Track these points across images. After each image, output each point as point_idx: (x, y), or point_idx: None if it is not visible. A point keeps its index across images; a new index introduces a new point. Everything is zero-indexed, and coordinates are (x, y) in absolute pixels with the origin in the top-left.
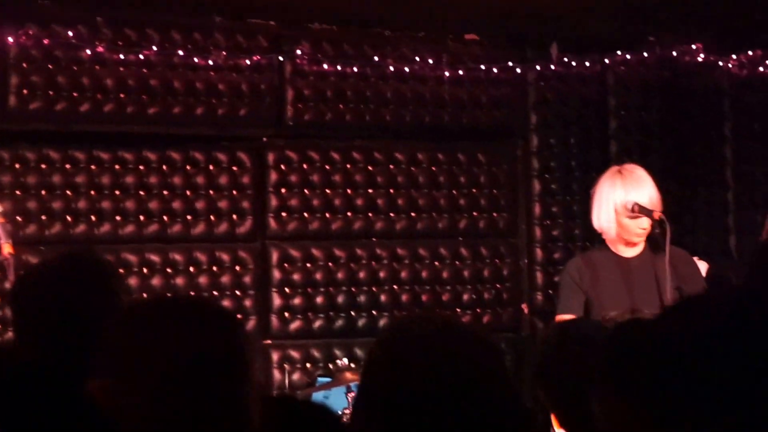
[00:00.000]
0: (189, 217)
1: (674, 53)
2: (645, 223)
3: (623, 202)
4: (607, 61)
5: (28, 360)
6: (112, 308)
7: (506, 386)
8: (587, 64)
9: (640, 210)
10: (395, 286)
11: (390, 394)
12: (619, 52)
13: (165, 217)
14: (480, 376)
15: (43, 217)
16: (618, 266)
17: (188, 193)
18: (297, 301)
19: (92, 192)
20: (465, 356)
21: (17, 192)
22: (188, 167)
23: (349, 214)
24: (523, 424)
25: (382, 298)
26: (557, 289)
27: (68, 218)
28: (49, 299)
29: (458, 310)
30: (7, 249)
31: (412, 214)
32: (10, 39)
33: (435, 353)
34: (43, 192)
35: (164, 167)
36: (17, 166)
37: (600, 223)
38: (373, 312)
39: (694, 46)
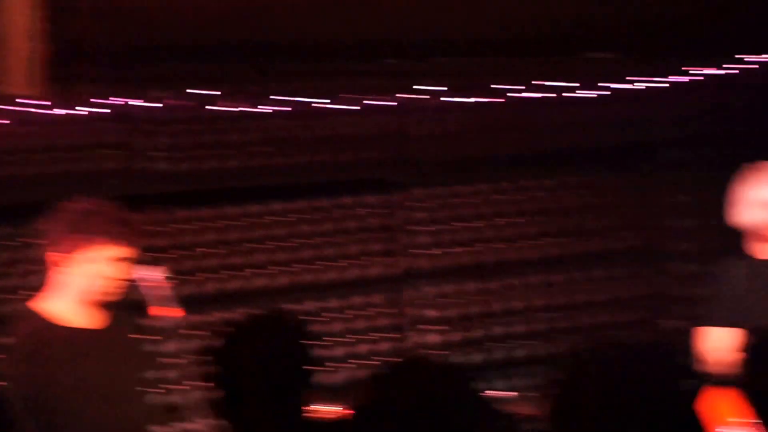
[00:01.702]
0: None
1: None
2: None
3: (765, 198)
4: (736, 67)
5: None
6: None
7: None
8: (717, 72)
9: None
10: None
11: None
12: (746, 57)
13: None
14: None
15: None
16: (762, 274)
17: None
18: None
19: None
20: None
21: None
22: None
23: (493, 245)
24: None
25: (537, 325)
26: (702, 296)
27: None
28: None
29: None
30: (177, 312)
31: (562, 239)
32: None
33: (618, 372)
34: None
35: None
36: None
37: (743, 220)
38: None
39: None
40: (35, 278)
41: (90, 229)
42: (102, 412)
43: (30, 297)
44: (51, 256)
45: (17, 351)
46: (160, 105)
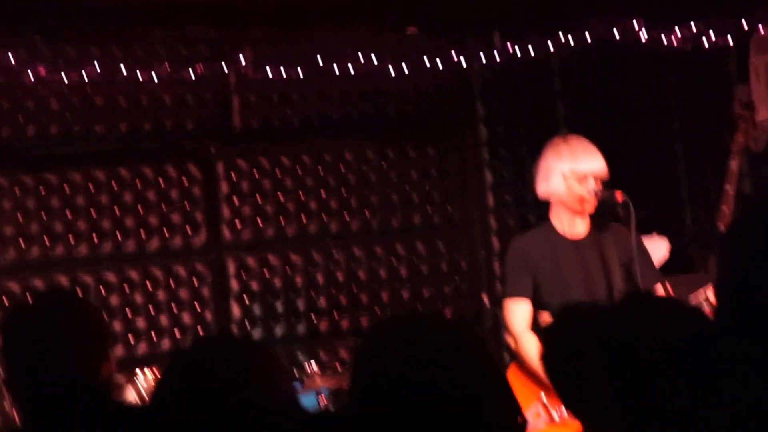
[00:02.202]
0: (143, 233)
1: (616, 31)
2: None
3: (571, 169)
4: (550, 44)
5: None
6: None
7: (487, 367)
8: (530, 49)
9: (602, 193)
10: (354, 287)
11: (390, 382)
12: (561, 35)
13: (119, 235)
14: (464, 361)
15: None
16: (564, 248)
17: (140, 209)
18: (256, 309)
19: (43, 215)
20: (451, 344)
21: None
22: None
23: (303, 217)
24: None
25: (342, 300)
26: (503, 270)
27: (21, 242)
28: (40, 332)
29: (419, 305)
30: None
31: (366, 212)
32: None
33: (421, 343)
34: None
35: (114, 184)
36: None
37: (548, 191)
38: (334, 314)
39: (634, 23)
40: None
41: None
42: None
43: None
44: None
45: None
46: None
